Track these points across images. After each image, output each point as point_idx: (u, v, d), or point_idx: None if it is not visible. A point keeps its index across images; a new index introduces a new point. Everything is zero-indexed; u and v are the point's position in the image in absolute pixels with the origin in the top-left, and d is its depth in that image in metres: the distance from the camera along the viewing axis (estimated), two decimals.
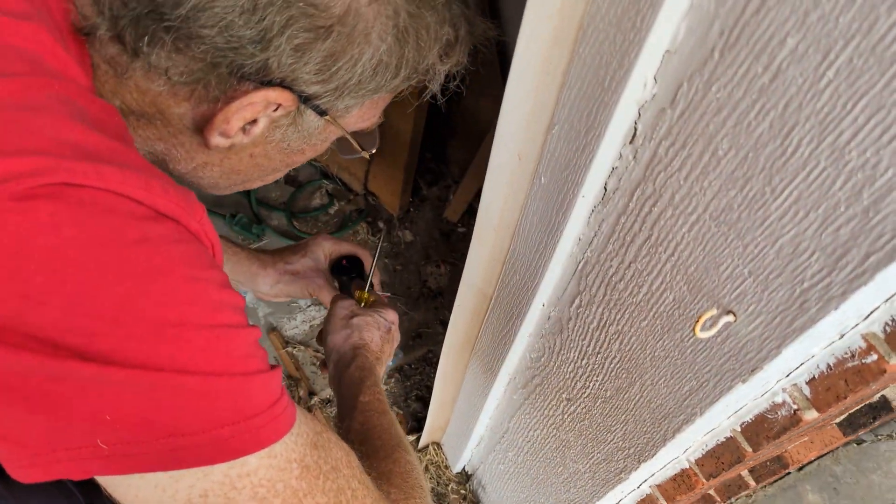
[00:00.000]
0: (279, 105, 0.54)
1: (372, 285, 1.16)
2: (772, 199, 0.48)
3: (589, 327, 0.81)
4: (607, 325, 0.77)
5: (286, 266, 1.02)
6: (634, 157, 0.62)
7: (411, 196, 1.91)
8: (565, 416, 0.95)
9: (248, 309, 1.71)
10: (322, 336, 1.02)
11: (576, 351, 0.86)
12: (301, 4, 0.48)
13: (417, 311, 1.76)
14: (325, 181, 1.98)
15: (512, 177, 0.81)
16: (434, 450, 1.54)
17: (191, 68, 0.50)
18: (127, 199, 0.41)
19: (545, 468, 1.07)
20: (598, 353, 0.81)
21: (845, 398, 0.56)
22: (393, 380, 1.64)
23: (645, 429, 0.77)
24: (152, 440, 0.40)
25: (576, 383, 0.89)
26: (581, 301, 0.81)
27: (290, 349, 1.65)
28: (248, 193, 1.88)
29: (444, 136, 1.90)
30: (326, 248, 1.06)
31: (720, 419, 0.69)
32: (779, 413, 0.65)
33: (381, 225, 1.88)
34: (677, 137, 0.54)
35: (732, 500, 0.88)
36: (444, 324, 1.38)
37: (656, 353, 0.70)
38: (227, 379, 0.43)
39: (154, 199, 0.43)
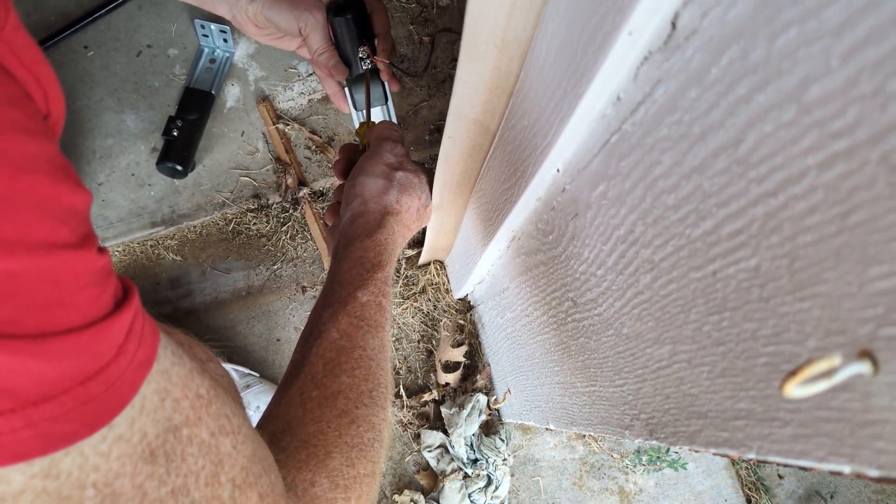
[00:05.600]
0: None
1: (373, 42, 0.89)
2: None
3: (612, 232, 0.51)
4: (638, 244, 0.47)
5: None
6: None
7: None
8: (568, 319, 0.68)
9: (237, 69, 1.41)
10: (341, 166, 0.81)
11: (591, 251, 0.57)
12: None
13: (440, 97, 1.43)
14: None
15: None
16: (436, 269, 1.31)
17: None
18: None
19: (542, 355, 0.84)
20: (620, 272, 0.52)
21: None
22: None
23: (667, 407, 0.50)
24: None
25: (585, 291, 0.61)
26: (608, 191, 0.50)
27: (281, 125, 1.37)
28: None
29: None
30: None
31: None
32: None
33: None
34: None
35: None
36: None
37: (704, 329, 0.41)
38: None
39: None
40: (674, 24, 0.35)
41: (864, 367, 0.28)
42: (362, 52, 0.88)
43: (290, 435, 0.49)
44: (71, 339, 0.27)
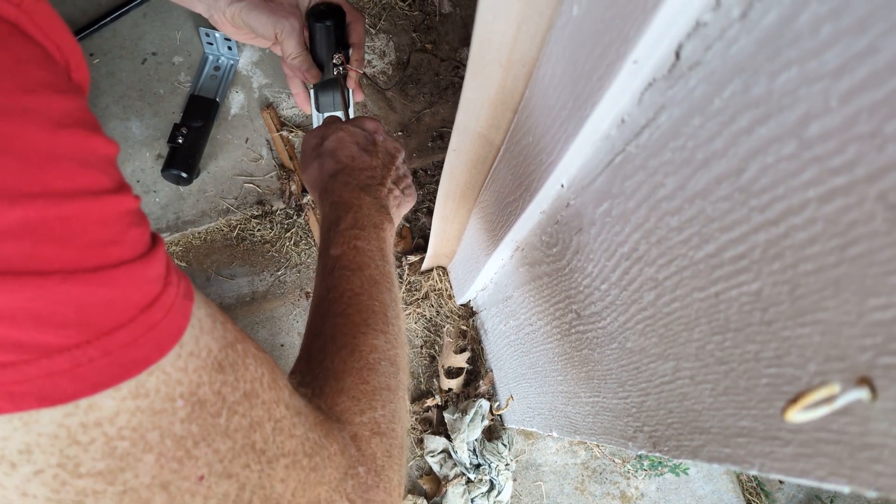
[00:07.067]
0: None
1: (348, 51, 0.90)
2: None
3: (616, 249, 0.52)
4: (642, 262, 0.48)
5: None
6: (744, 14, 0.30)
7: None
8: (572, 331, 0.69)
9: (241, 77, 1.42)
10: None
11: (595, 266, 0.58)
12: None
13: (443, 104, 1.44)
14: None
15: None
16: (439, 275, 1.32)
17: None
18: None
19: (545, 364, 0.85)
20: (624, 288, 0.53)
21: None
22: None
23: (671, 421, 0.51)
24: None
25: (589, 304, 0.62)
26: (611, 209, 0.51)
27: (285, 133, 1.38)
28: None
29: None
30: None
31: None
32: None
33: None
34: None
35: None
36: None
37: (707, 348, 0.42)
38: (59, 280, 0.26)
39: None
40: (678, 55, 0.36)
41: (862, 394, 0.29)
42: (336, 59, 0.90)
43: (302, 388, 0.51)
44: (127, 269, 0.30)
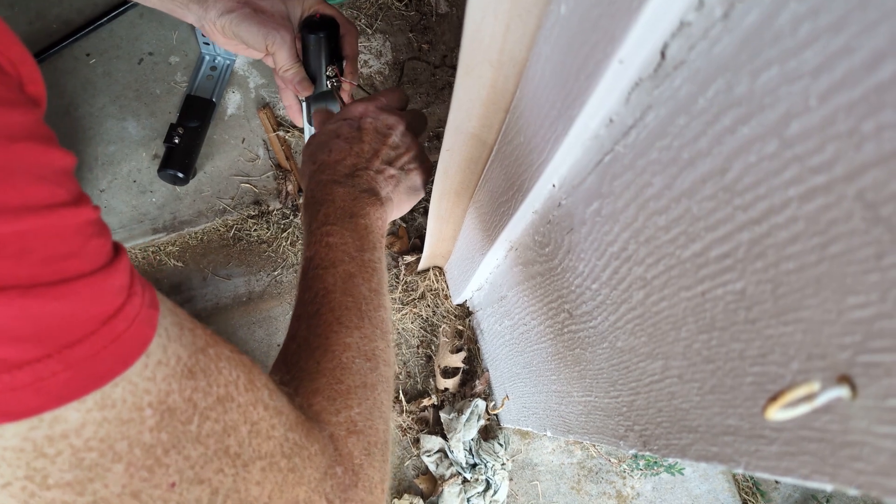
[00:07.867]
0: None
1: (342, 65, 0.90)
2: None
3: (606, 248, 0.52)
4: (631, 261, 0.48)
5: None
6: (726, 14, 0.30)
7: None
8: (565, 330, 0.69)
9: (237, 77, 1.42)
10: None
11: (586, 265, 0.58)
12: None
13: (439, 104, 1.44)
14: None
15: None
16: (435, 275, 1.33)
17: None
18: None
19: (539, 363, 0.85)
20: (614, 287, 0.53)
21: None
22: None
23: (660, 420, 0.51)
24: None
25: (581, 304, 0.62)
26: (601, 209, 0.51)
27: (282, 133, 1.38)
28: None
29: None
30: (308, 2, 0.87)
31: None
32: None
33: None
34: None
35: None
36: None
37: (694, 346, 0.42)
38: (16, 296, 0.26)
39: None
40: (663, 54, 0.37)
41: (843, 392, 0.29)
42: (330, 71, 0.90)
43: (282, 388, 0.51)
44: (87, 281, 0.29)
